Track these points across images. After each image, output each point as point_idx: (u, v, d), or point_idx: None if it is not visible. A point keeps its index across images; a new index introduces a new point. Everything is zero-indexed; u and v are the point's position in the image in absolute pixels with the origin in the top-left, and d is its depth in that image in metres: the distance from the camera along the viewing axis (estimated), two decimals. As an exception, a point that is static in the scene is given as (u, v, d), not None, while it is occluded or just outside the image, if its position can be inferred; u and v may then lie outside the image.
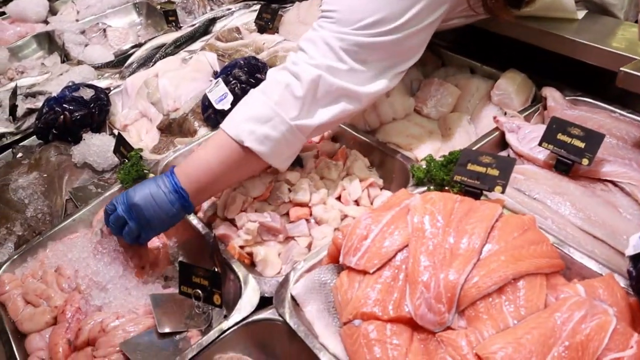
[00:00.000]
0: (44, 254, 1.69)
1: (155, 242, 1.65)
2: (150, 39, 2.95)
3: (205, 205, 1.68)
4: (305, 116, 1.46)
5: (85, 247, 1.65)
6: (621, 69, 1.41)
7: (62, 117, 2.16)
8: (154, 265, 1.61)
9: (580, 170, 1.49)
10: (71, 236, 1.74)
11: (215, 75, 2.23)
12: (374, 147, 1.76)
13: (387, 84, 1.52)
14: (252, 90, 1.53)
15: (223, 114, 1.96)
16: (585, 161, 1.44)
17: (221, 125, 1.51)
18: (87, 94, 2.26)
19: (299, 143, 1.53)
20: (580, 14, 1.79)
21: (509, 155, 1.65)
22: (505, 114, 1.77)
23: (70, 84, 2.41)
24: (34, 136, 2.32)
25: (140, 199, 1.44)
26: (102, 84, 2.54)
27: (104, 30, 3.34)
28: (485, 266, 1.15)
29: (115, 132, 2.19)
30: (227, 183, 1.60)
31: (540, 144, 1.51)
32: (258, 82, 2.00)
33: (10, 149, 2.32)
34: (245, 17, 2.86)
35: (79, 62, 2.89)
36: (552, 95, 1.76)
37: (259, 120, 1.44)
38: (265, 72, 2.06)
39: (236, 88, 1.97)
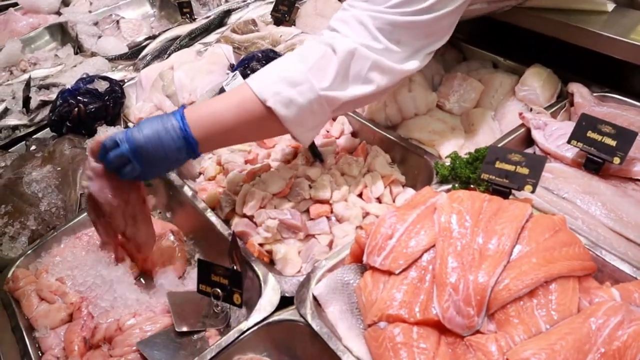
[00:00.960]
0: (58, 250, 1.66)
1: (169, 237, 1.61)
2: (164, 31, 2.92)
3: (224, 201, 1.64)
4: (336, 88, 1.40)
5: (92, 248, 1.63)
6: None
7: (76, 109, 2.13)
8: (167, 261, 1.58)
9: (611, 170, 1.46)
10: (86, 231, 1.71)
11: (232, 68, 2.20)
12: (396, 143, 1.72)
13: (418, 64, 1.47)
14: (287, 53, 1.48)
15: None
16: (616, 160, 1.40)
17: (246, 80, 1.44)
18: (102, 86, 2.23)
19: (324, 116, 1.46)
20: (610, 7, 1.74)
21: (534, 153, 1.60)
22: (531, 110, 1.72)
23: (84, 75, 2.39)
24: (48, 128, 2.29)
25: (148, 141, 1.35)
26: (116, 76, 2.50)
27: (117, 21, 3.32)
28: (516, 268, 1.12)
29: (130, 125, 2.16)
30: (238, 139, 1.55)
31: (569, 142, 1.48)
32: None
33: (24, 142, 2.29)
34: (261, 10, 2.82)
35: (93, 54, 2.86)
36: (579, 91, 1.71)
37: (287, 82, 1.38)
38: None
39: (255, 81, 1.93)
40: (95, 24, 3.32)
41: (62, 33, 3.40)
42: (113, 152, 1.36)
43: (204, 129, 1.39)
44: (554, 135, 1.58)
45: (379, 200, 1.60)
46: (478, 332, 1.10)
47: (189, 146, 1.38)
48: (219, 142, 1.50)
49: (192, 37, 2.74)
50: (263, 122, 1.42)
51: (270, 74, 1.42)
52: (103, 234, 1.48)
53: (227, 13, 2.93)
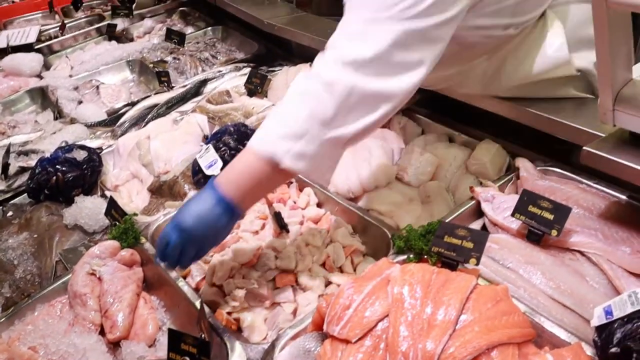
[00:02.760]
0: (32, 318, 1.70)
1: (144, 309, 1.69)
2: (142, 98, 3.01)
3: (194, 270, 1.73)
4: (340, 125, 1.39)
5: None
6: (584, 147, 1.51)
7: (54, 178, 2.21)
8: (140, 329, 1.65)
9: (550, 240, 1.58)
10: (60, 299, 1.77)
11: (206, 139, 2.31)
12: (357, 214, 1.84)
13: (419, 79, 1.42)
14: (281, 101, 1.48)
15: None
16: (554, 232, 1.53)
17: (253, 144, 1.45)
18: (80, 155, 2.31)
19: (337, 154, 1.47)
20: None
21: (484, 224, 1.74)
22: (481, 183, 1.86)
23: (63, 144, 2.47)
24: (25, 195, 2.35)
25: (195, 227, 1.43)
26: (95, 143, 2.58)
27: (97, 87, 3.41)
28: (460, 336, 1.21)
29: (107, 193, 2.25)
30: (269, 191, 1.71)
31: (512, 215, 1.60)
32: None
33: (0, 207, 2.34)
34: (236, 80, 2.94)
35: (72, 120, 2.93)
36: (524, 166, 1.86)
37: (292, 136, 1.38)
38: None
39: (226, 154, 2.05)
40: (76, 88, 3.41)
41: (43, 97, 3.46)
42: (170, 247, 1.46)
43: (238, 191, 1.44)
44: (501, 207, 1.72)
45: (340, 269, 1.70)
46: (427, 397, 1.19)
47: (230, 210, 1.44)
48: (256, 197, 1.56)
49: (169, 106, 2.85)
50: (284, 177, 1.52)
51: (273, 130, 1.43)
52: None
53: (204, 82, 3.04)
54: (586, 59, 1.82)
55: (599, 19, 1.27)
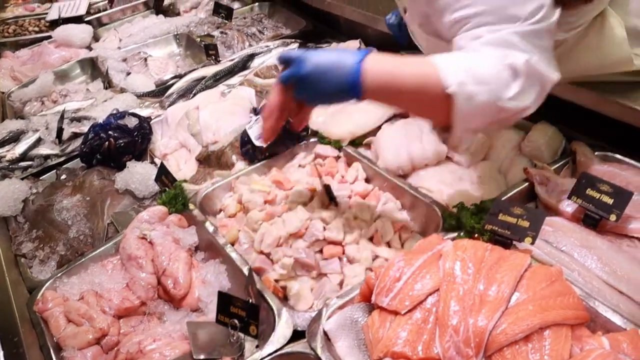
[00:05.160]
0: (85, 275, 1.76)
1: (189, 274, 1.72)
2: (190, 71, 3.05)
3: (242, 238, 1.75)
4: (514, 100, 1.36)
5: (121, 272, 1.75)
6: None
7: (107, 143, 2.26)
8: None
9: (607, 226, 1.54)
10: (112, 259, 1.81)
11: (255, 111, 2.32)
12: (406, 191, 1.82)
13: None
14: (482, 49, 1.41)
15: (260, 150, 2.06)
16: (613, 217, 1.49)
17: (436, 59, 1.40)
18: (131, 122, 2.36)
19: (486, 122, 1.44)
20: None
21: (537, 207, 1.70)
22: (535, 165, 1.82)
23: (114, 111, 2.52)
24: (78, 159, 2.42)
25: (315, 70, 1.42)
26: (144, 112, 2.63)
27: (145, 59, 3.47)
28: (513, 314, 1.20)
29: (157, 160, 2.28)
30: (401, 106, 1.66)
31: (569, 198, 1.57)
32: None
33: (55, 171, 2.41)
34: (284, 55, 2.94)
35: (122, 90, 3.00)
36: (581, 150, 1.82)
37: (476, 78, 1.35)
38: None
39: (275, 126, 2.05)
40: (124, 60, 3.48)
41: (93, 67, 3.57)
42: (286, 71, 1.48)
43: (376, 84, 1.41)
44: (556, 190, 1.68)
45: (388, 244, 1.69)
46: (476, 372, 1.18)
47: (354, 92, 1.42)
48: (384, 100, 1.52)
49: (217, 79, 2.87)
50: (434, 104, 1.41)
51: (462, 62, 1.39)
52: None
53: (251, 57, 3.05)
54: None
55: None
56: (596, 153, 1.83)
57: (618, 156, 1.82)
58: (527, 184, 1.76)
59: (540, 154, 1.86)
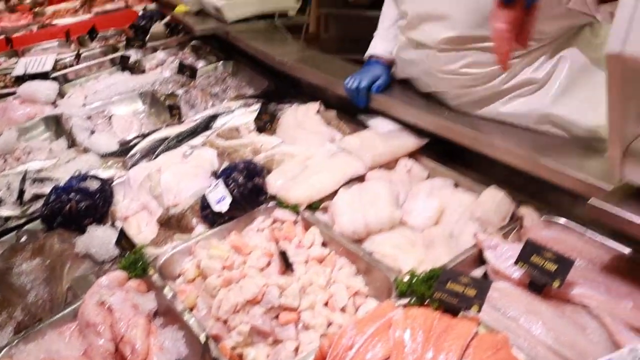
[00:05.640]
0: (42, 342, 1.73)
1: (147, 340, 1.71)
2: (153, 131, 3.06)
3: (200, 304, 1.76)
4: None
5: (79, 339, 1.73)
6: (590, 201, 1.54)
7: (68, 206, 2.26)
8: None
9: (552, 291, 1.61)
10: (70, 324, 1.79)
11: (216, 174, 2.36)
12: (361, 256, 1.87)
13: None
14: None
15: (220, 214, 2.10)
16: (556, 283, 1.56)
17: None
18: (93, 185, 2.35)
19: None
20: None
21: (486, 271, 1.77)
22: (485, 230, 1.90)
23: (76, 173, 2.52)
24: (38, 221, 2.38)
25: None
26: (106, 173, 2.63)
27: (110, 117, 3.49)
28: (460, 383, 1.24)
29: (118, 223, 2.29)
30: None
31: (515, 263, 1.64)
32: (255, 186, 2.15)
33: (15, 232, 2.38)
34: (245, 117, 2.99)
35: (85, 149, 3.00)
36: (529, 215, 1.90)
37: None
38: (263, 176, 2.21)
39: (235, 191, 2.10)
40: (89, 117, 3.49)
41: (57, 125, 3.53)
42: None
43: None
44: (504, 256, 1.75)
45: (343, 310, 1.73)
46: None
47: None
48: None
49: (180, 140, 2.89)
50: None
51: None
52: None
53: (213, 117, 3.09)
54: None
55: (613, 74, 1.26)
56: (543, 217, 1.92)
57: (563, 221, 1.89)
58: (477, 248, 1.82)
59: (490, 218, 1.93)
